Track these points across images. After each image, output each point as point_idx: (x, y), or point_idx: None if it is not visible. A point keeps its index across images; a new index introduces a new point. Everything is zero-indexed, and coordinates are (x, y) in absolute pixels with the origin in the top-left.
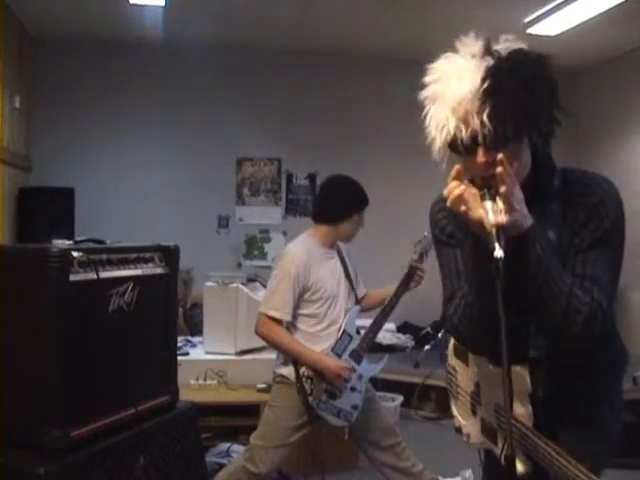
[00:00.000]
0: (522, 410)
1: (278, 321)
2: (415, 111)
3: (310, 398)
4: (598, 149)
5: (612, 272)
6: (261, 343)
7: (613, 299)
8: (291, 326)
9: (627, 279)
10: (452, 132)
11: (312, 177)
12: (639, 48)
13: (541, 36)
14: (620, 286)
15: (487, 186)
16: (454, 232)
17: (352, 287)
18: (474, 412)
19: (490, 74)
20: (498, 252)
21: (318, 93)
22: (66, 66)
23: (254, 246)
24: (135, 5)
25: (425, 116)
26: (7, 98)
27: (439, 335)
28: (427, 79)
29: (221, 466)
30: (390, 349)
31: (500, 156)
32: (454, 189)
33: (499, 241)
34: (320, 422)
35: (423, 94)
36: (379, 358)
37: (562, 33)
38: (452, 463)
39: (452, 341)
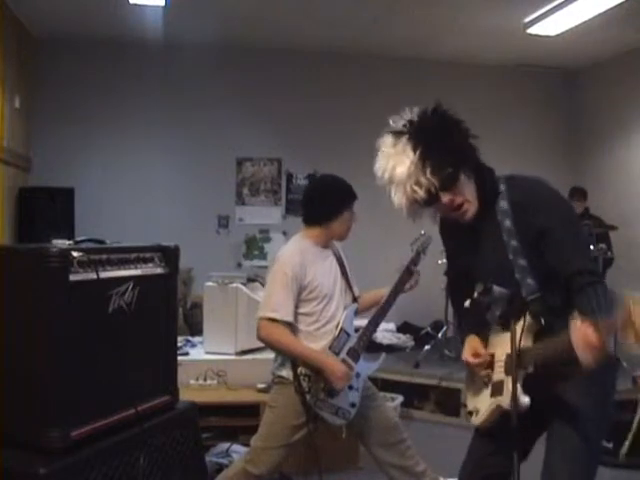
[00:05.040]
0: (528, 342)
1: (278, 322)
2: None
3: (308, 396)
4: (598, 148)
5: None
6: (261, 343)
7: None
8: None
9: (626, 279)
10: (412, 197)
11: (312, 177)
12: (639, 48)
13: (541, 36)
14: (619, 286)
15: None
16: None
17: (349, 285)
18: (486, 384)
19: (417, 143)
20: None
21: (318, 93)
22: (66, 66)
23: (254, 246)
24: (135, 5)
25: (389, 196)
26: (7, 98)
27: (439, 335)
28: (377, 175)
29: (221, 466)
30: (390, 349)
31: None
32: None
33: None
34: (318, 421)
35: (379, 183)
36: (376, 357)
37: (562, 33)
38: (452, 463)
39: None
